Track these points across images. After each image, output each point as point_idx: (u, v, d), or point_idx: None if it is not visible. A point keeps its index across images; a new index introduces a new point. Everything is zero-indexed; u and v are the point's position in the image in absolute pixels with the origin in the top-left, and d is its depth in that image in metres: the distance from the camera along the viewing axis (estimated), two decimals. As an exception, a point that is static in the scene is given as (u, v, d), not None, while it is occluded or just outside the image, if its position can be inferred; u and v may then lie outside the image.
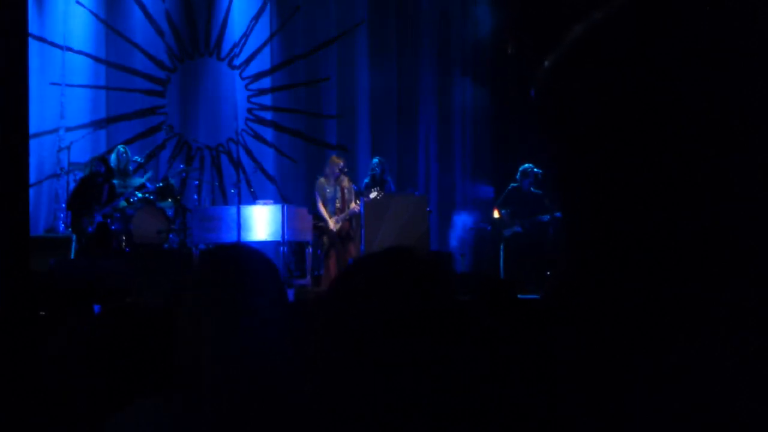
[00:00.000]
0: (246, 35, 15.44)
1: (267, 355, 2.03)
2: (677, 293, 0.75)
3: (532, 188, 13.00)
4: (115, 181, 11.99)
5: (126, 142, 13.53)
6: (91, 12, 14.43)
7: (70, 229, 11.77)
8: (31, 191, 13.06)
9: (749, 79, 0.75)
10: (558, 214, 11.88)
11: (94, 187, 11.61)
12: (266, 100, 15.63)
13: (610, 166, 0.81)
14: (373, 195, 12.09)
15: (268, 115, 15.59)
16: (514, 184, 13.16)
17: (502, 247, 13.15)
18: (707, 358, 0.73)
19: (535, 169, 12.90)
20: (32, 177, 13.20)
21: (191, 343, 2.02)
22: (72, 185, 12.55)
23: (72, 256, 11.31)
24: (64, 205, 12.68)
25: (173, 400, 2.00)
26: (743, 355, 0.73)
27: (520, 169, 13.07)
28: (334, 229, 11.94)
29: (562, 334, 0.83)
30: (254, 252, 2.22)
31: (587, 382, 0.80)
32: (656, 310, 0.75)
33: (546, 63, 0.88)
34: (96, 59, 14.50)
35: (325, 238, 12.08)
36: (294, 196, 15.03)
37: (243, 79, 15.46)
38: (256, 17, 15.47)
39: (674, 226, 0.76)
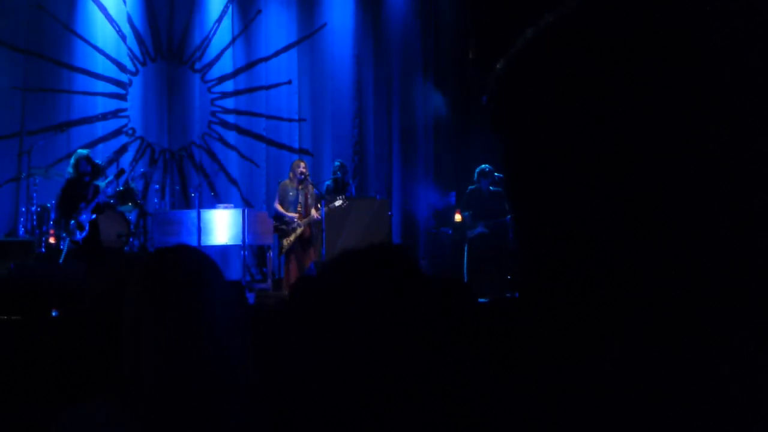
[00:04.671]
0: (208, 38, 15.40)
1: (210, 356, 2.03)
2: (671, 291, 0.76)
3: (491, 188, 13.03)
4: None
5: (87, 146, 13.44)
6: (53, 16, 14.35)
7: (62, 233, 11.56)
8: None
9: (713, 71, 0.77)
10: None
11: (83, 187, 11.47)
12: (229, 103, 15.59)
13: (564, 162, 0.81)
14: (338, 203, 12.05)
15: (230, 119, 15.55)
16: (473, 186, 13.19)
17: (466, 248, 13.16)
18: (701, 359, 0.75)
19: (493, 171, 12.95)
20: (-8, 181, 13.18)
21: (134, 344, 2.04)
22: (33, 189, 12.45)
23: (61, 260, 11.18)
24: (24, 209, 12.59)
25: (117, 402, 2.00)
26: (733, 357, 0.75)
27: (477, 170, 13.10)
28: (302, 224, 11.88)
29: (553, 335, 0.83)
30: (197, 253, 2.22)
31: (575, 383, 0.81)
32: (653, 308, 0.77)
33: (498, 67, 0.90)
34: (57, 63, 14.41)
35: (285, 242, 12.03)
36: (256, 199, 15.01)
37: (205, 82, 15.41)
38: (219, 21, 15.43)
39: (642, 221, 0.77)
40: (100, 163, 12.79)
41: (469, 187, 13.27)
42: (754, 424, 0.74)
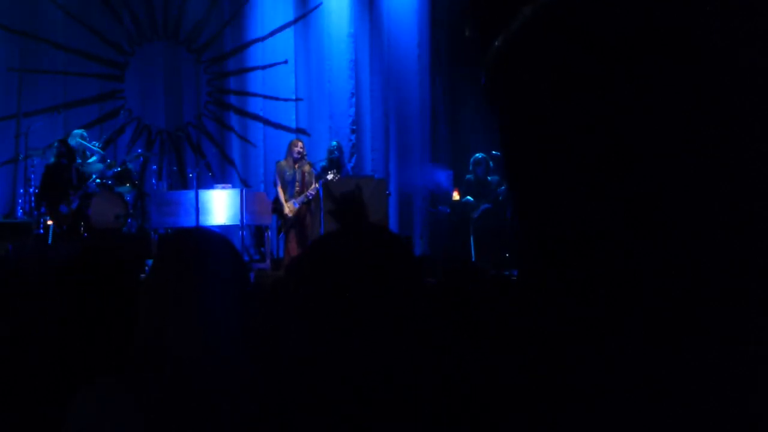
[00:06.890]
0: (204, 18, 15.34)
1: (228, 337, 2.06)
2: (667, 286, 0.76)
3: (488, 177, 13.07)
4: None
5: (84, 127, 13.41)
6: (48, -4, 14.31)
7: (47, 217, 11.54)
8: (-11, 177, 13.02)
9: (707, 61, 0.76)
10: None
11: (63, 172, 11.43)
12: (225, 83, 15.55)
13: (562, 142, 0.81)
14: (330, 177, 12.05)
15: (227, 99, 15.52)
16: (469, 176, 13.25)
17: (471, 229, 13.15)
18: (701, 359, 0.75)
19: (491, 153, 12.97)
20: (-10, 163, 13.16)
21: (153, 324, 2.05)
22: (30, 171, 12.44)
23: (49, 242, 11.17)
24: (22, 191, 12.58)
25: (134, 380, 2.02)
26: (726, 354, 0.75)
27: (471, 160, 13.18)
28: (290, 214, 11.89)
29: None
30: (215, 235, 2.24)
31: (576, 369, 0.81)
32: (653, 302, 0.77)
33: (495, 45, 0.89)
34: (53, 44, 14.36)
35: (284, 220, 12.02)
36: (253, 179, 14.99)
37: (202, 62, 15.36)
38: (214, 0, 15.38)
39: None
40: (97, 144, 12.76)
41: (466, 176, 13.32)
42: (755, 423, 0.74)
